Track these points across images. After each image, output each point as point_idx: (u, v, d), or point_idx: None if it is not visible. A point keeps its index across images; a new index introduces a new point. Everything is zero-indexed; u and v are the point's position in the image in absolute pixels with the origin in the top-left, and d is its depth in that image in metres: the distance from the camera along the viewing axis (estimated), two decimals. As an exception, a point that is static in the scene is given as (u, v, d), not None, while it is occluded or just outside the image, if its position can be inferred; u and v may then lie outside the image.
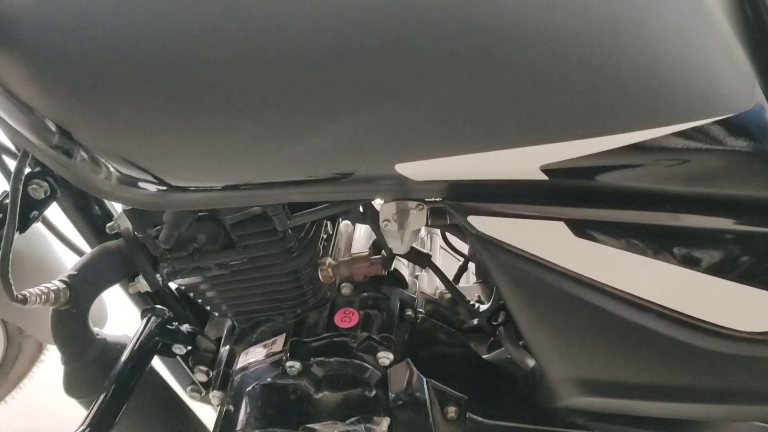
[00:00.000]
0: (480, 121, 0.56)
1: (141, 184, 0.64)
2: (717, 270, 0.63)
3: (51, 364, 1.59)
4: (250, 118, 0.57)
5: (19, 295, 0.77)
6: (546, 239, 0.65)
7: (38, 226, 1.24)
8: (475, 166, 0.60)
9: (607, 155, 0.56)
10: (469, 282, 1.15)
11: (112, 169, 0.63)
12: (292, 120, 0.56)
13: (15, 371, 1.45)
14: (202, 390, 1.08)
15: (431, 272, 1.05)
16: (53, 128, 0.59)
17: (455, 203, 0.66)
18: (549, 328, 0.73)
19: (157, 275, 0.86)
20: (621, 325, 0.68)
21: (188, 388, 1.08)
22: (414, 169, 0.60)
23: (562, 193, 0.63)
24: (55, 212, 0.97)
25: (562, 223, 0.64)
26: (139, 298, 0.99)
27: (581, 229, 0.64)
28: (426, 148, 0.58)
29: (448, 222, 0.73)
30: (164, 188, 0.64)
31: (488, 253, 0.68)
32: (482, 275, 0.90)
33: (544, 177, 0.60)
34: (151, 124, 0.58)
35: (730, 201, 0.60)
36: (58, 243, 1.16)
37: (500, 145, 0.57)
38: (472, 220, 0.66)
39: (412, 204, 0.70)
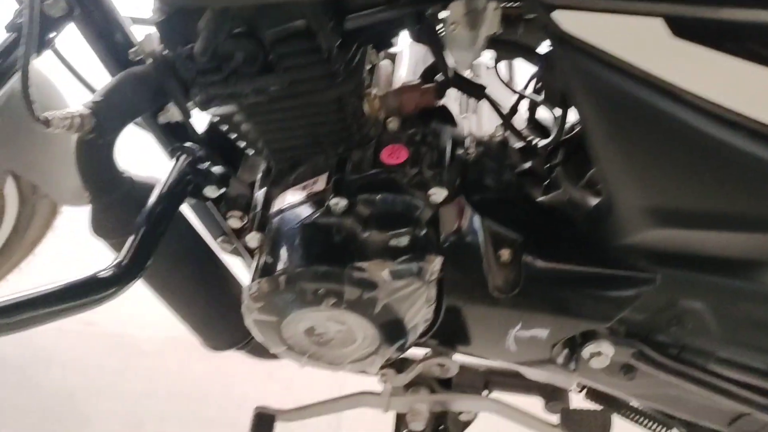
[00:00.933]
0: None
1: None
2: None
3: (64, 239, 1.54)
4: None
5: (42, 117, 0.71)
6: (640, 40, 0.58)
7: (48, 73, 1.16)
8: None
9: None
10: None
11: None
12: None
13: (29, 235, 1.40)
14: (233, 241, 1.03)
15: (478, 117, 0.97)
16: None
17: (539, -5, 0.58)
18: (630, 148, 0.66)
19: (189, 103, 0.79)
20: (710, 144, 0.61)
21: (219, 239, 1.03)
22: None
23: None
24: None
25: (660, 21, 0.56)
26: (166, 137, 0.92)
27: (681, 27, 0.56)
28: None
29: (522, 30, 0.65)
30: None
31: (570, 61, 0.61)
32: (549, 94, 0.82)
33: None
34: None
35: None
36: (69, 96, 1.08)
37: None
38: (558, 16, 0.58)
39: (485, 2, 0.62)
